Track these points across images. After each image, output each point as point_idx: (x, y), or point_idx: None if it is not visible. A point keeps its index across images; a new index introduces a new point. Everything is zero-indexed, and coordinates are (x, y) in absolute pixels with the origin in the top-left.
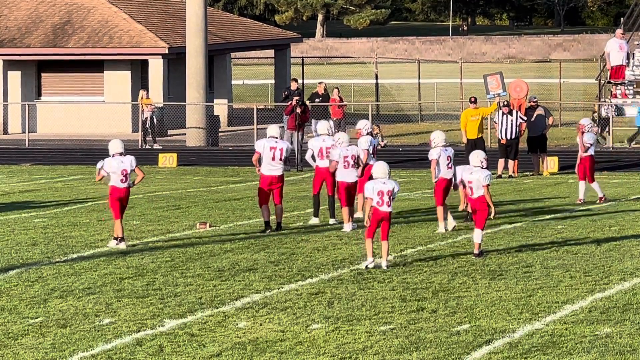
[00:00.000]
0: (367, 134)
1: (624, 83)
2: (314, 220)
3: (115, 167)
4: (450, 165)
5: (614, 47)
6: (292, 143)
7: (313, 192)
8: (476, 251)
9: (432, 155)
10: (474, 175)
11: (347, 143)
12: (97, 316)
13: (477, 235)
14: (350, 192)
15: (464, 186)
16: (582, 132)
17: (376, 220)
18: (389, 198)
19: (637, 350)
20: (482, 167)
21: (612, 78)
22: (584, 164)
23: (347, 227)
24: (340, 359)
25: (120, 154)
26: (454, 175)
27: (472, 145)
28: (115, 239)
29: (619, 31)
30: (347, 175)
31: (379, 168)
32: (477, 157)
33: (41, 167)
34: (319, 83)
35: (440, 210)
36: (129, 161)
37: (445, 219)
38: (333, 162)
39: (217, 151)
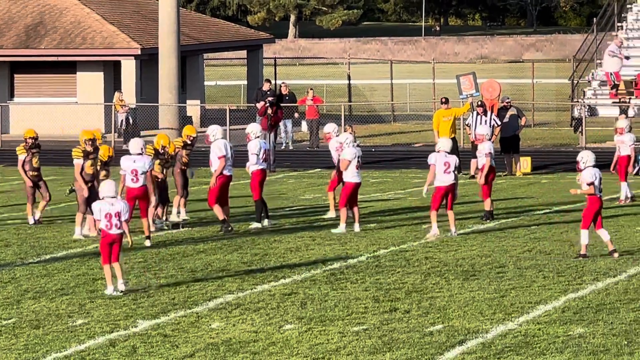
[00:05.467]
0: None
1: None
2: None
3: (126, 166)
4: (448, 171)
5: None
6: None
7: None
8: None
9: (431, 159)
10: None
11: (354, 143)
12: (70, 317)
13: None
14: (356, 193)
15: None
16: (621, 133)
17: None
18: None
19: (610, 351)
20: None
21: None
22: (621, 164)
23: (342, 227)
24: (313, 359)
25: (139, 154)
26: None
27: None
28: (148, 237)
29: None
30: (357, 175)
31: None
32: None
33: (14, 169)
34: (282, 84)
35: (434, 214)
36: (143, 162)
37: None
38: (345, 161)
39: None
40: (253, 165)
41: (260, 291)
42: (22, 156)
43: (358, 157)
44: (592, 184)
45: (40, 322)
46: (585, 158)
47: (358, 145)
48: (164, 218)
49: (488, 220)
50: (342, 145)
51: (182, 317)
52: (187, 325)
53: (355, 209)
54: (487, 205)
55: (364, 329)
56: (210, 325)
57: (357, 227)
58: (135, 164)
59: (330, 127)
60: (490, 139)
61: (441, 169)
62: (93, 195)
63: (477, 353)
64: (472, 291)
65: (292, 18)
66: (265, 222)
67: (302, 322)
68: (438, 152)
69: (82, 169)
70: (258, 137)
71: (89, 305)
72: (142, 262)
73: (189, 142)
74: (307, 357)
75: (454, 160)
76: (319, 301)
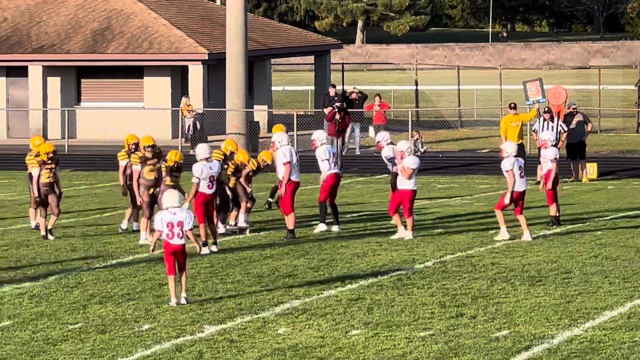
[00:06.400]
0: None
1: None
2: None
3: (206, 174)
4: (522, 175)
5: None
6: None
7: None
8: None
9: (506, 166)
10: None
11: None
12: (136, 322)
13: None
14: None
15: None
16: None
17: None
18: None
19: None
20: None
21: None
22: None
23: (403, 232)
24: None
25: (207, 159)
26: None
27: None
28: (205, 244)
29: None
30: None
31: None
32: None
33: (81, 173)
34: (353, 88)
35: (500, 214)
36: (216, 167)
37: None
38: (409, 169)
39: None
40: (326, 171)
41: (327, 296)
42: (123, 162)
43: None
44: None
45: (106, 327)
46: None
47: (425, 152)
48: (233, 223)
49: (554, 226)
50: (403, 153)
51: (248, 323)
52: (253, 330)
53: (410, 219)
54: (552, 210)
55: (430, 334)
56: (276, 330)
57: (409, 234)
58: (212, 170)
59: (380, 136)
60: (556, 145)
61: (517, 173)
62: (155, 202)
63: (543, 359)
64: (538, 297)
65: (360, 24)
66: (336, 227)
67: (368, 328)
68: (507, 157)
69: (140, 175)
70: (324, 143)
71: (155, 310)
72: (209, 268)
73: (261, 166)
74: None
75: (522, 163)
76: (385, 306)
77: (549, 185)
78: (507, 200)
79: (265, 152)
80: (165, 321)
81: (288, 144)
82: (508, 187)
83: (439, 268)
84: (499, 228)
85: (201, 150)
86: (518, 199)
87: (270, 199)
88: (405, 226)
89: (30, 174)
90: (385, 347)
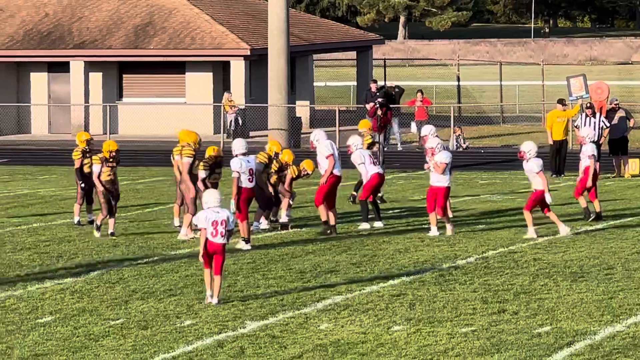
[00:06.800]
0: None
1: None
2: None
3: (245, 167)
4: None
5: None
6: None
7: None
8: None
9: (536, 167)
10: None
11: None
12: (178, 318)
13: None
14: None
15: None
16: None
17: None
18: None
19: None
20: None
21: None
22: None
23: (436, 231)
24: None
25: (244, 154)
26: None
27: (558, 146)
28: (244, 240)
29: None
30: (447, 179)
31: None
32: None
33: (122, 169)
34: (390, 85)
35: (529, 215)
36: (253, 160)
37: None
38: (442, 164)
39: (299, 153)
40: (370, 172)
41: (368, 292)
42: (187, 159)
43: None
44: None
45: (148, 322)
46: None
47: (467, 147)
48: (274, 219)
49: (596, 222)
50: (434, 150)
51: (290, 318)
52: (295, 326)
53: (434, 215)
54: (596, 206)
55: (472, 330)
56: (318, 326)
57: (449, 230)
58: (250, 163)
59: (426, 130)
60: (598, 141)
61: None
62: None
63: (585, 355)
64: (580, 293)
65: (402, 19)
66: (378, 223)
67: (410, 323)
68: (534, 157)
69: (191, 168)
70: (359, 148)
71: (197, 306)
72: (251, 263)
73: (302, 175)
74: (415, 358)
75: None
76: (427, 302)
77: (589, 182)
78: (549, 199)
79: (307, 161)
80: (207, 317)
81: (327, 139)
82: (542, 188)
83: (481, 264)
84: (540, 224)
85: (238, 144)
86: (542, 198)
87: (354, 192)
88: (442, 225)
89: (77, 169)
90: (427, 343)
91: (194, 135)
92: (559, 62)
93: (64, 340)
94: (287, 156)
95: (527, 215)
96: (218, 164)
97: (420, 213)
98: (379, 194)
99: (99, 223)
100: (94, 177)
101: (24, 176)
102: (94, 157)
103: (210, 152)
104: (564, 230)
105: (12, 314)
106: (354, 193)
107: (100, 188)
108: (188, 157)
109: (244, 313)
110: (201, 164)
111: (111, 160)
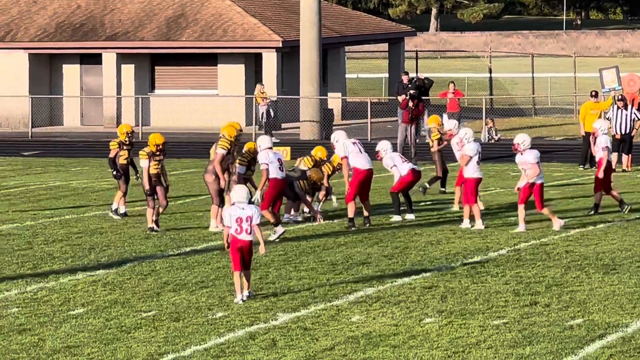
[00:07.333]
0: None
1: None
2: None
3: (273, 157)
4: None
5: None
6: (406, 137)
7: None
8: None
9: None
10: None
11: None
12: (210, 310)
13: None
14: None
15: None
16: None
17: None
18: None
19: None
20: None
21: None
22: None
23: (468, 223)
24: (453, 353)
25: (269, 148)
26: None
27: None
28: (274, 225)
29: None
30: (478, 171)
31: None
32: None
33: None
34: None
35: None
36: (280, 154)
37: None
38: (466, 156)
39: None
40: (404, 170)
41: (400, 284)
42: (221, 150)
43: (479, 153)
44: None
45: (180, 314)
46: None
47: (499, 139)
48: (306, 210)
49: (592, 212)
50: (462, 141)
51: (322, 310)
52: (327, 318)
53: (475, 206)
54: (597, 198)
55: (504, 323)
56: (350, 318)
57: (479, 224)
58: (278, 155)
59: (450, 124)
60: (629, 133)
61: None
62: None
63: (617, 347)
64: (612, 285)
65: (434, 11)
66: (410, 216)
67: (442, 316)
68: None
69: (222, 160)
70: (387, 152)
71: (229, 298)
72: (282, 255)
73: (336, 170)
74: (447, 350)
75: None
76: (459, 294)
77: (600, 173)
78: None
79: (325, 167)
80: (238, 309)
81: (344, 140)
82: (541, 180)
83: (513, 256)
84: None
85: (264, 140)
86: (530, 194)
87: (426, 184)
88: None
89: (111, 158)
90: (459, 335)
91: (232, 128)
92: (590, 54)
93: (95, 332)
94: (320, 152)
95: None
96: (254, 160)
97: (452, 205)
98: (425, 183)
99: (153, 218)
100: (144, 172)
101: (56, 168)
102: (140, 152)
103: (249, 146)
104: (557, 224)
105: (44, 305)
106: (427, 185)
107: (146, 183)
108: (223, 148)
109: (276, 305)
110: (239, 159)
111: (158, 153)
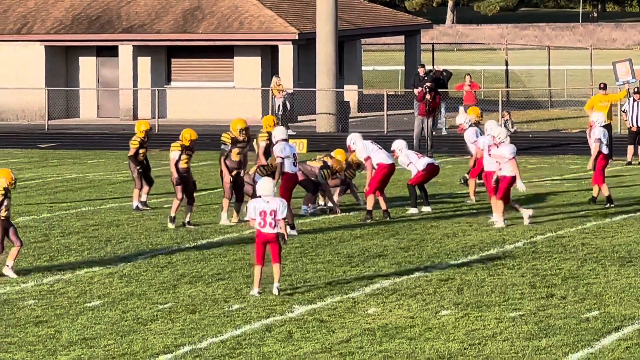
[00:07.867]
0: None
1: None
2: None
3: (289, 152)
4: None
5: None
6: (422, 129)
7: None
8: None
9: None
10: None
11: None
12: (226, 302)
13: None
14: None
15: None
16: None
17: None
18: None
19: None
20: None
21: None
22: None
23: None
24: (470, 345)
25: (285, 140)
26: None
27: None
28: (289, 225)
29: None
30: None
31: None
32: None
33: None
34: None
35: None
36: (294, 147)
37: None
38: (479, 150)
39: (345, 137)
40: (422, 165)
41: (416, 277)
42: (263, 143)
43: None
44: None
45: (196, 306)
46: None
47: (515, 132)
48: (322, 203)
49: (608, 205)
50: (495, 139)
51: (338, 303)
52: (343, 310)
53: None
54: (595, 191)
55: (521, 315)
56: (366, 310)
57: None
58: (293, 148)
59: (461, 119)
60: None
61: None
62: (239, 184)
63: (633, 339)
64: (628, 277)
65: (450, 3)
66: (426, 208)
67: (458, 308)
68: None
69: (227, 156)
70: (403, 150)
71: (245, 290)
72: (299, 248)
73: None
74: (463, 342)
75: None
76: (475, 287)
77: (590, 164)
78: (521, 187)
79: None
80: (255, 301)
81: (362, 140)
82: (513, 174)
83: (529, 249)
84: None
85: (279, 131)
86: (512, 184)
87: (466, 175)
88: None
89: (131, 156)
90: (475, 328)
91: (269, 119)
92: (607, 47)
93: (112, 324)
94: (339, 155)
95: (497, 204)
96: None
97: (468, 197)
98: (467, 175)
99: (172, 215)
100: (171, 164)
101: (72, 160)
102: (173, 144)
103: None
104: (526, 214)
105: (61, 297)
106: (466, 175)
107: (175, 175)
108: (264, 141)
109: (292, 297)
110: (236, 150)
111: (190, 147)
